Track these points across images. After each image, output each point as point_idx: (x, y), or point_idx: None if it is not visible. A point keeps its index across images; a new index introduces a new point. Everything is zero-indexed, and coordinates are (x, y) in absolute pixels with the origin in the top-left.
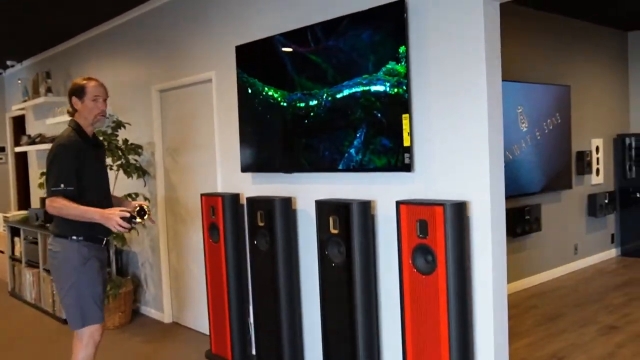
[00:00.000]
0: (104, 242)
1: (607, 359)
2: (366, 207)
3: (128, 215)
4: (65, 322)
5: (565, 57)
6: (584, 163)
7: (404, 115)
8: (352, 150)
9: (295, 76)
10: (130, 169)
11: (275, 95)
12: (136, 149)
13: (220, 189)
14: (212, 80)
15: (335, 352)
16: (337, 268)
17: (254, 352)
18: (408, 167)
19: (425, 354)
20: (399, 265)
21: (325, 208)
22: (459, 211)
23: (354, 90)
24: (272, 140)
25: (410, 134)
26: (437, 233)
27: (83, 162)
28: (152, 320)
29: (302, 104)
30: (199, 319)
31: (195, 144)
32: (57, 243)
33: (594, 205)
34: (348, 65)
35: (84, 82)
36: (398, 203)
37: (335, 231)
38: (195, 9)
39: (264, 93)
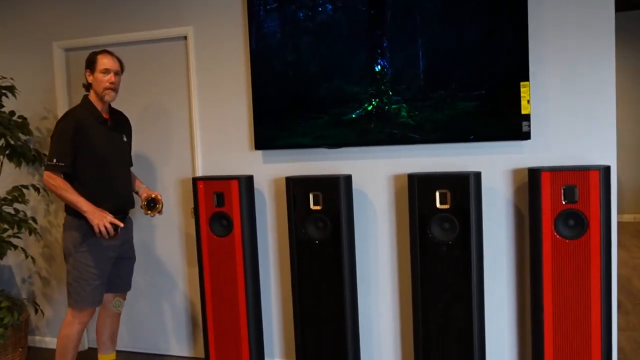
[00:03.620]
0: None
1: None
2: (479, 179)
3: (121, 225)
4: None
5: None
6: None
7: (522, 83)
8: (455, 118)
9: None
10: (20, 154)
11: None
12: (23, 125)
13: (201, 172)
14: (187, 38)
15: (443, 352)
16: (448, 247)
17: None
18: (527, 135)
19: (571, 317)
20: (536, 233)
21: (424, 182)
22: (607, 175)
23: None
24: (308, 109)
25: (529, 101)
26: (592, 197)
27: (85, 138)
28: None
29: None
30: (141, 337)
31: (142, 119)
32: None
33: None
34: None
35: (96, 54)
36: (534, 170)
37: (445, 206)
38: None
39: (300, 57)
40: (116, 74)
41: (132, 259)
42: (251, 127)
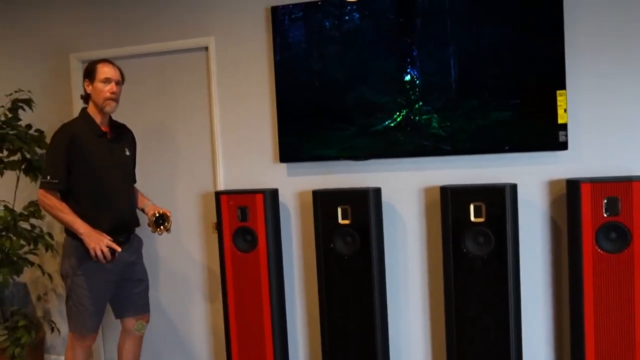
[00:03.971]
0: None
1: None
2: (515, 191)
3: (118, 250)
4: None
5: None
6: None
7: (559, 92)
8: (485, 128)
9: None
10: (36, 168)
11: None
12: (40, 139)
13: (223, 186)
14: (208, 48)
15: None
16: (483, 261)
17: None
18: (564, 145)
19: (614, 336)
20: (576, 247)
21: (458, 195)
22: None
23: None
24: (334, 121)
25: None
26: (635, 209)
27: (80, 152)
28: None
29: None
30: (163, 354)
31: (161, 132)
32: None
33: None
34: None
35: (96, 63)
36: (573, 182)
37: (480, 219)
38: None
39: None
40: (117, 83)
41: (141, 281)
42: (275, 139)
